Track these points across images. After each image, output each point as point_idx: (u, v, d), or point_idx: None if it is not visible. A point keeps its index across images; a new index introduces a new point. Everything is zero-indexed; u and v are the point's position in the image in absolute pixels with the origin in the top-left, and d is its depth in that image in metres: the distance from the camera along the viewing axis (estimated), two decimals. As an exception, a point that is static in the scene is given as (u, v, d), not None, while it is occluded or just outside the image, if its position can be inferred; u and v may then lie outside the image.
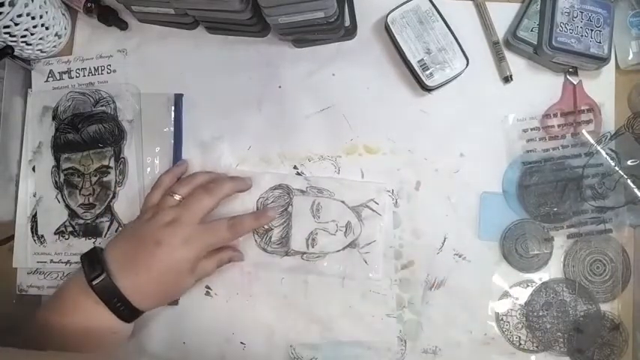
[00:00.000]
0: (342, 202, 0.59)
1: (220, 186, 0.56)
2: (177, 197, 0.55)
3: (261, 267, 0.59)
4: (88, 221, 0.60)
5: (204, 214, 0.54)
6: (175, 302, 0.59)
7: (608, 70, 0.60)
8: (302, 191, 0.60)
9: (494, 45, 0.60)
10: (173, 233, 0.51)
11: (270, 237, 0.59)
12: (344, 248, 0.59)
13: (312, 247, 0.59)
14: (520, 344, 0.58)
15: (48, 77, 0.62)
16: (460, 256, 0.59)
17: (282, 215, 0.59)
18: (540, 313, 0.58)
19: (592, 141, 0.58)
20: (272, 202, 0.60)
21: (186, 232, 0.52)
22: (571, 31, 0.57)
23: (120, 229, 0.59)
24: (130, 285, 0.49)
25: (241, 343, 0.59)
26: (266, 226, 0.59)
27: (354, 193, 0.59)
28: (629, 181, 0.57)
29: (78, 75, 0.62)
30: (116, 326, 0.50)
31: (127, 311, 0.49)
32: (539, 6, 0.59)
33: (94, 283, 0.48)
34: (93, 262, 0.50)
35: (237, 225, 0.55)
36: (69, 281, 0.52)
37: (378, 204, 0.59)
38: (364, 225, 0.59)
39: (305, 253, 0.59)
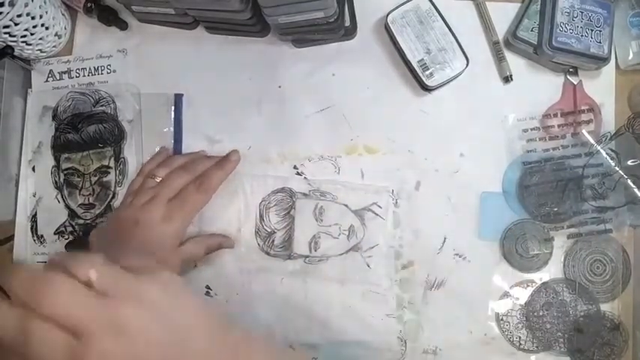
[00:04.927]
0: (345, 205, 0.59)
1: (197, 164, 0.57)
2: (157, 179, 0.56)
3: (264, 270, 0.59)
4: (88, 221, 0.60)
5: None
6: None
7: (609, 70, 0.60)
8: (304, 194, 0.60)
9: (494, 45, 0.60)
10: (151, 210, 0.52)
11: (273, 240, 0.59)
12: (347, 252, 0.59)
13: (315, 250, 0.59)
14: (520, 344, 0.58)
15: (48, 77, 0.62)
16: (460, 256, 0.59)
17: (284, 218, 0.59)
18: (540, 313, 0.58)
19: (592, 141, 0.58)
20: (274, 205, 0.60)
21: (164, 208, 0.52)
22: (571, 31, 0.57)
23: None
24: None
25: (241, 343, 0.59)
26: (269, 229, 0.59)
27: (357, 196, 0.59)
28: (629, 181, 0.57)
29: (78, 75, 0.62)
30: None
31: None
32: (539, 6, 0.58)
33: None
34: (77, 248, 0.50)
35: (204, 182, 0.55)
36: None
37: (381, 207, 0.59)
38: (367, 228, 0.59)
39: (308, 256, 0.59)
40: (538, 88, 0.60)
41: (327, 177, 0.60)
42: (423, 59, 0.57)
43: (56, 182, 0.61)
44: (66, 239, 0.60)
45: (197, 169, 0.56)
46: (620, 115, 0.59)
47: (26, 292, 0.27)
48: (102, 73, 0.62)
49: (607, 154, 0.58)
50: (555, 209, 0.58)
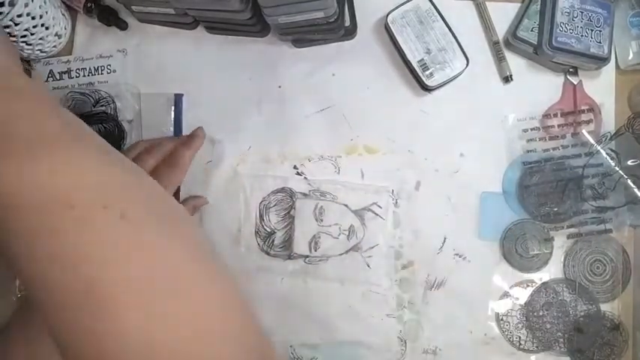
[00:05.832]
0: (345, 205, 0.59)
1: (162, 146, 0.57)
2: None
3: (264, 270, 0.59)
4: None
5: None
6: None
7: (609, 70, 0.60)
8: (304, 194, 0.60)
9: (495, 45, 0.60)
10: None
11: (273, 240, 0.59)
12: (347, 252, 0.59)
13: (315, 250, 0.59)
14: (520, 344, 0.58)
15: (48, 77, 0.62)
16: (460, 256, 0.59)
17: (284, 218, 0.59)
18: (540, 313, 0.58)
19: (592, 141, 0.58)
20: (274, 205, 0.60)
21: None
22: (571, 31, 0.57)
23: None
24: None
25: (241, 343, 0.59)
26: (269, 229, 0.59)
27: (357, 196, 0.59)
28: (629, 181, 0.57)
29: (78, 75, 0.62)
30: None
31: None
32: (539, 6, 0.58)
33: None
34: None
35: (174, 159, 0.55)
36: None
37: (381, 208, 0.59)
38: (367, 228, 0.59)
39: (308, 256, 0.59)
40: (538, 88, 0.60)
41: (327, 177, 0.60)
42: (423, 59, 0.57)
43: (56, 182, 0.61)
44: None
45: (162, 151, 0.57)
46: (620, 115, 0.59)
47: None
48: (102, 73, 0.62)
49: (607, 154, 0.58)
50: (555, 209, 0.58)
